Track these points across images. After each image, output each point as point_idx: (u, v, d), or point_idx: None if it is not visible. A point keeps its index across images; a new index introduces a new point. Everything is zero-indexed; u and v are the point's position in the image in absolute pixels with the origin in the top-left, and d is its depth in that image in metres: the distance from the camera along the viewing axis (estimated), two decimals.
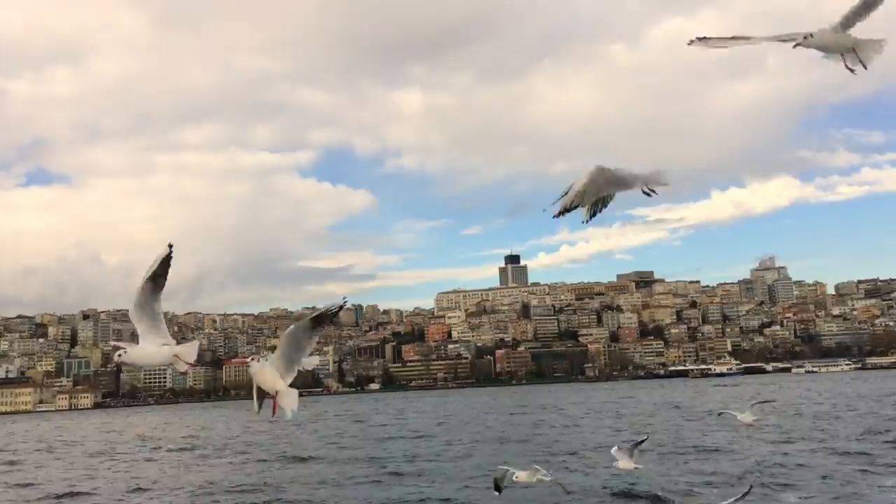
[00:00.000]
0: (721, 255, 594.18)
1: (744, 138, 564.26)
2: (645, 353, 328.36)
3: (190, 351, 7.56)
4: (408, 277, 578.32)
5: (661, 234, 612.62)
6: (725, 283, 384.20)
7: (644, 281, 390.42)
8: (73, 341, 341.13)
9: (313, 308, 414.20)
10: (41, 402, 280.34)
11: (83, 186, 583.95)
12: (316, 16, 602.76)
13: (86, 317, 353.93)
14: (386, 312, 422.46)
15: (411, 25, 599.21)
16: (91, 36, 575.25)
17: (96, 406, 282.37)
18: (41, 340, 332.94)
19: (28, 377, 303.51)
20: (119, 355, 7.79)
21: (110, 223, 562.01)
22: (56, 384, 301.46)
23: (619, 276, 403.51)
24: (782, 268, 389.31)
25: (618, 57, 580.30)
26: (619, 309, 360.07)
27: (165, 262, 7.46)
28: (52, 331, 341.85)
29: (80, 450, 73.03)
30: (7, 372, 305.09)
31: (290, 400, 7.13)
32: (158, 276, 7.54)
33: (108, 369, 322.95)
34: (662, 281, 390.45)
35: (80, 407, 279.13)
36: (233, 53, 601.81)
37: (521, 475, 15.10)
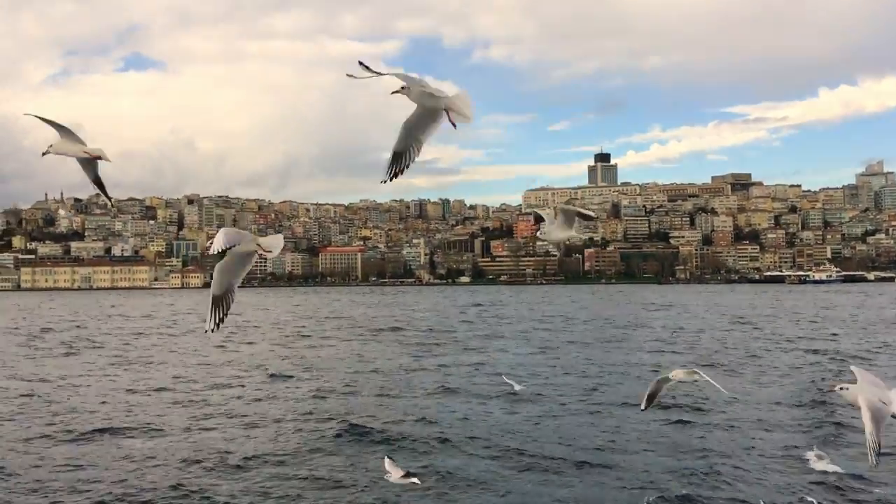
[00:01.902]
0: (825, 157, 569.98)
1: (860, 31, 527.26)
2: (739, 257, 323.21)
3: (274, 244, 7.86)
4: (492, 172, 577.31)
5: (760, 134, 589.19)
6: (828, 188, 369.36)
7: (741, 183, 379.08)
8: (180, 224, 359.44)
9: (400, 201, 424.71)
10: (156, 279, 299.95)
11: (177, 73, 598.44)
12: None
13: (190, 202, 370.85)
14: (472, 207, 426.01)
15: None
16: None
17: (205, 286, 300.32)
18: (151, 222, 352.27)
19: (142, 256, 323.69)
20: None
21: (203, 110, 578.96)
22: (167, 264, 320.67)
23: (713, 178, 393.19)
24: (891, 173, 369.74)
25: None
26: (713, 212, 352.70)
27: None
28: (160, 214, 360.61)
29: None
30: (122, 251, 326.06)
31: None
32: None
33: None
34: (760, 184, 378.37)
35: (190, 286, 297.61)
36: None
37: (677, 373, 13.82)
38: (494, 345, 53.60)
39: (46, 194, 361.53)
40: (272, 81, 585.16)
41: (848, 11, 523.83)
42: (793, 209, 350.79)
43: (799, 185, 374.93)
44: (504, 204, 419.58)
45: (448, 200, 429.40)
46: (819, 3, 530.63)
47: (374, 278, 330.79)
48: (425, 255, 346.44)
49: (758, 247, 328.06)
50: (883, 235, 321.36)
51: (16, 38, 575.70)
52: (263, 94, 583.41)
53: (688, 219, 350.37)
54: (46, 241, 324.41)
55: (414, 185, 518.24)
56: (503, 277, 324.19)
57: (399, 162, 6.97)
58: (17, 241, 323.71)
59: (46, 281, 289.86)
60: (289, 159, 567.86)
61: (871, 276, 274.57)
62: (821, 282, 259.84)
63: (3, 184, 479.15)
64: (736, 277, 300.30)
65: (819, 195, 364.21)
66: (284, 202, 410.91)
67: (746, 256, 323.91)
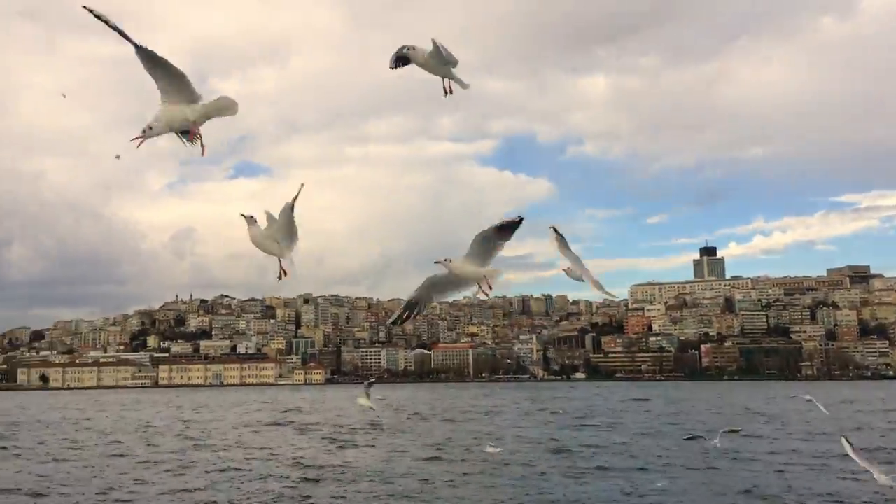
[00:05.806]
0: None
1: None
2: (867, 352, 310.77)
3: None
4: (590, 266, 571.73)
5: (872, 223, 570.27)
6: None
7: (860, 276, 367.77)
8: (298, 323, 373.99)
9: (503, 297, 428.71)
10: (280, 376, 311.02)
11: (282, 177, 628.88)
12: (500, 4, 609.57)
13: (306, 301, 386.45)
14: (576, 303, 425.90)
15: (597, 8, 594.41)
16: (292, 35, 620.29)
17: (327, 382, 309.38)
18: (272, 321, 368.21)
19: (265, 354, 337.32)
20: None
21: (304, 212, 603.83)
22: (288, 361, 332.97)
23: (829, 271, 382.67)
24: None
25: (827, 30, 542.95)
26: (834, 305, 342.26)
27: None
28: (279, 313, 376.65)
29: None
30: (246, 349, 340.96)
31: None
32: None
33: (330, 349, 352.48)
34: (881, 276, 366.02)
35: (312, 382, 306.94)
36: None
37: None
38: None
39: (178, 295, 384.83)
40: (370, 183, 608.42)
41: None
42: None
43: None
44: (608, 299, 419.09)
45: (551, 296, 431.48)
46: None
47: (485, 374, 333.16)
48: (538, 350, 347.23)
49: (886, 341, 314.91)
50: None
51: (139, 151, 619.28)
52: (361, 194, 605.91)
53: (808, 313, 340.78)
54: (178, 340, 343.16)
55: (508, 280, 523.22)
56: (618, 374, 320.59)
57: (411, 311, 7.88)
58: (151, 341, 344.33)
59: (181, 378, 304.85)
60: (384, 258, 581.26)
61: None
62: None
63: (121, 286, 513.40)
64: (868, 374, 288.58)
65: None
66: (392, 300, 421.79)
67: (875, 352, 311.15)
